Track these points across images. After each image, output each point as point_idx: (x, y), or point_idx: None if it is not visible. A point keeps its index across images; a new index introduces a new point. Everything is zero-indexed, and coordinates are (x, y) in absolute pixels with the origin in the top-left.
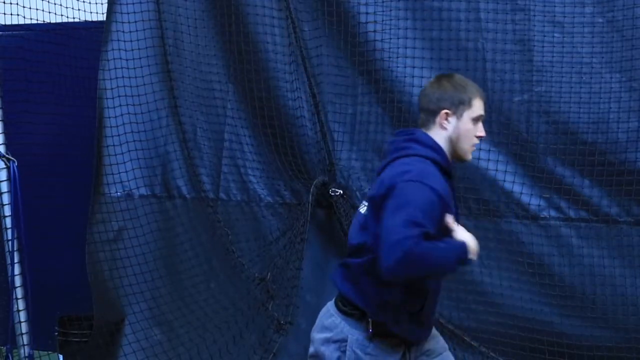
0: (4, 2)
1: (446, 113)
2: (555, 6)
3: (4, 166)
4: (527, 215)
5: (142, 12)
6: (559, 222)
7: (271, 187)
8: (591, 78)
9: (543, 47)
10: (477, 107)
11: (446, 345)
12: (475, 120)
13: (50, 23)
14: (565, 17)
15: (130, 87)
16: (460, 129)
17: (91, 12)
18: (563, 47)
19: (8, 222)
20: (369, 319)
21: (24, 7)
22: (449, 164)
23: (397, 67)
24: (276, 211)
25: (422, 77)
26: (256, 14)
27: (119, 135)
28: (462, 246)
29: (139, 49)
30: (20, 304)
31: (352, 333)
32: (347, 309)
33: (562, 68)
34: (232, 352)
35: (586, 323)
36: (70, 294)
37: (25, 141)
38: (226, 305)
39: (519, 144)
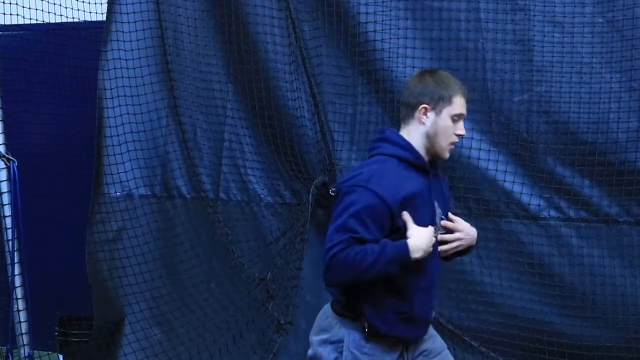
0: (4, 2)
1: (425, 108)
2: (555, 6)
3: (4, 166)
4: (527, 215)
5: (142, 12)
6: (559, 222)
7: (271, 187)
8: (591, 78)
9: (543, 47)
10: (458, 104)
11: (444, 345)
12: (456, 118)
13: (50, 23)
14: (565, 17)
15: (130, 87)
16: (438, 125)
17: (91, 12)
18: (563, 47)
19: (8, 222)
20: (364, 319)
21: (23, 7)
22: (421, 159)
23: (397, 67)
24: (276, 211)
25: None
26: (256, 14)
27: (118, 135)
28: (400, 246)
29: (138, 49)
30: (20, 304)
31: (349, 333)
32: (342, 310)
33: (562, 68)
34: (232, 352)
35: (586, 323)
36: (70, 294)
37: (25, 141)
38: (226, 305)
39: (519, 144)
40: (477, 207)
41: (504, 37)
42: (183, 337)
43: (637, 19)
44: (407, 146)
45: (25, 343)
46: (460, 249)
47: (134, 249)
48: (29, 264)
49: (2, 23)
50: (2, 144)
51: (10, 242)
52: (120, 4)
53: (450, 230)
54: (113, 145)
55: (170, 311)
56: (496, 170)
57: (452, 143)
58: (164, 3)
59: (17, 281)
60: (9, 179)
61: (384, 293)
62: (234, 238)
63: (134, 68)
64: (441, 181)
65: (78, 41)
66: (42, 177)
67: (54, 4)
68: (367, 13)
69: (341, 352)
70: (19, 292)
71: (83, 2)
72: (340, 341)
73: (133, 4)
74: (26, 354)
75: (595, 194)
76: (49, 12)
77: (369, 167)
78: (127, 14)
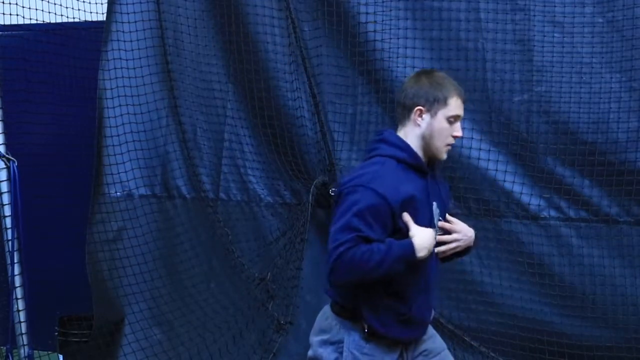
0: (4, 2)
1: (420, 110)
2: (555, 6)
3: (4, 166)
4: (527, 215)
5: (142, 12)
6: (559, 222)
7: (271, 187)
8: (591, 78)
9: (543, 47)
10: (454, 106)
11: (444, 345)
12: (452, 119)
13: (50, 23)
14: (565, 17)
15: (130, 87)
16: (433, 126)
17: (91, 12)
18: (563, 47)
19: (8, 222)
20: (364, 320)
21: (23, 7)
22: (419, 160)
23: (397, 67)
24: (276, 211)
25: None
26: (256, 14)
27: (118, 135)
28: (406, 245)
29: (139, 49)
30: (20, 304)
31: (349, 334)
32: (342, 311)
33: (562, 68)
34: (232, 352)
35: (586, 323)
36: (70, 294)
37: (25, 141)
38: (226, 305)
39: (519, 144)
40: (477, 207)
41: (504, 37)
42: (183, 337)
43: (637, 19)
44: (405, 147)
45: (25, 343)
46: (458, 249)
47: (134, 249)
48: (29, 264)
49: (2, 23)
50: (2, 144)
51: (10, 242)
52: (120, 4)
53: (447, 232)
54: (113, 145)
55: (170, 311)
56: (496, 170)
57: (449, 144)
58: (164, 3)
59: (17, 281)
60: (9, 179)
61: (383, 295)
62: (234, 238)
63: (134, 68)
64: (439, 182)
65: (78, 41)
66: (42, 177)
67: (54, 4)
68: (367, 13)
69: (341, 353)
70: (19, 292)
71: (83, 2)
72: (341, 342)
73: (133, 4)
74: (26, 354)
75: (595, 194)
76: (49, 12)
77: (369, 168)
78: (127, 14)
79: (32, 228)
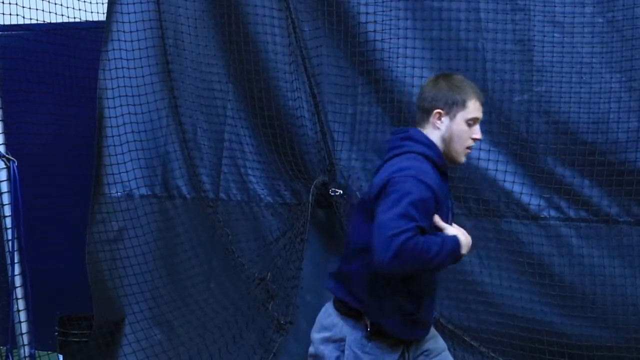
0: (4, 2)
1: (439, 113)
2: (555, 6)
3: (4, 166)
4: (527, 215)
5: (142, 12)
6: (559, 222)
7: (271, 187)
8: (591, 78)
9: (543, 47)
10: (472, 109)
11: (445, 345)
12: (470, 122)
13: (50, 23)
14: (565, 17)
15: (131, 87)
16: (453, 129)
17: (91, 12)
18: (563, 47)
19: (8, 222)
20: (367, 319)
21: (23, 7)
22: (444, 162)
23: (397, 67)
24: (276, 211)
25: (422, 77)
26: (256, 14)
27: (119, 135)
28: (455, 241)
29: (139, 49)
30: (21, 304)
31: (351, 332)
32: (345, 309)
33: (562, 68)
34: (232, 352)
35: (586, 323)
36: (70, 294)
37: (25, 141)
38: (226, 305)
39: (519, 144)
40: (477, 207)
41: (504, 37)
42: (183, 337)
43: (637, 19)
44: (433, 146)
45: (25, 343)
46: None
47: (134, 249)
48: (29, 264)
49: (2, 23)
50: (2, 144)
51: (10, 242)
52: (120, 4)
53: None
54: (114, 145)
55: (170, 311)
56: (496, 170)
57: (468, 147)
58: (164, 3)
59: (17, 281)
60: (9, 179)
61: (397, 294)
62: (234, 238)
63: (134, 68)
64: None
65: (78, 41)
66: (42, 177)
67: (55, 4)
68: (367, 13)
69: (343, 351)
70: (19, 292)
71: (84, 2)
72: (342, 340)
73: (133, 4)
74: (26, 354)
75: (595, 194)
76: (49, 12)
77: (411, 162)
78: (128, 14)
79: (32, 228)
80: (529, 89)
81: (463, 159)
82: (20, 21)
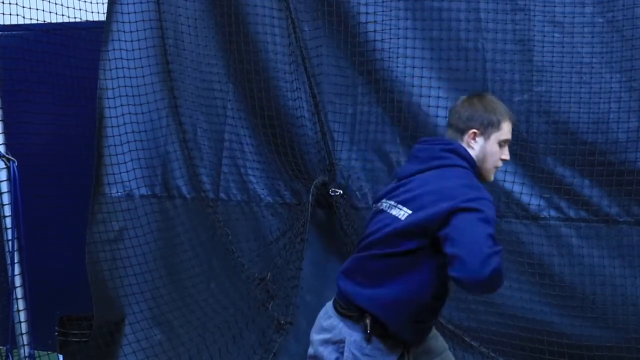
0: (4, 2)
1: (474, 132)
2: (555, 6)
3: (4, 166)
4: (527, 215)
5: (142, 12)
6: (559, 222)
7: (271, 187)
8: (591, 78)
9: (543, 47)
10: (506, 130)
11: (446, 345)
12: (502, 143)
13: (50, 23)
14: (565, 17)
15: (131, 87)
16: (486, 149)
17: (91, 12)
18: (563, 47)
19: (8, 222)
20: (367, 320)
21: (23, 7)
22: (479, 180)
23: (397, 67)
24: (276, 211)
25: (422, 77)
26: (256, 14)
27: (119, 135)
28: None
29: (139, 49)
30: (20, 304)
31: (350, 334)
32: (345, 310)
33: (562, 68)
34: (232, 352)
35: (586, 323)
36: (70, 294)
37: (25, 141)
38: (226, 305)
39: (519, 144)
40: None
41: (504, 37)
42: (183, 337)
43: (637, 19)
44: (474, 165)
45: (25, 343)
46: None
47: (134, 249)
48: (29, 264)
49: (2, 23)
50: (2, 144)
51: (10, 242)
52: (120, 4)
53: None
54: (114, 145)
55: (170, 311)
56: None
57: (496, 167)
58: (164, 3)
59: (17, 281)
60: (9, 179)
61: (430, 300)
62: (234, 238)
63: (134, 68)
64: None
65: (78, 41)
66: (42, 177)
67: (55, 3)
68: (367, 13)
69: (342, 353)
70: (19, 292)
71: (84, 2)
72: (342, 341)
73: (134, 4)
74: (26, 354)
75: (595, 194)
76: (49, 12)
77: (469, 179)
78: (128, 14)
79: (32, 228)
80: (529, 89)
81: (492, 178)
82: (20, 21)
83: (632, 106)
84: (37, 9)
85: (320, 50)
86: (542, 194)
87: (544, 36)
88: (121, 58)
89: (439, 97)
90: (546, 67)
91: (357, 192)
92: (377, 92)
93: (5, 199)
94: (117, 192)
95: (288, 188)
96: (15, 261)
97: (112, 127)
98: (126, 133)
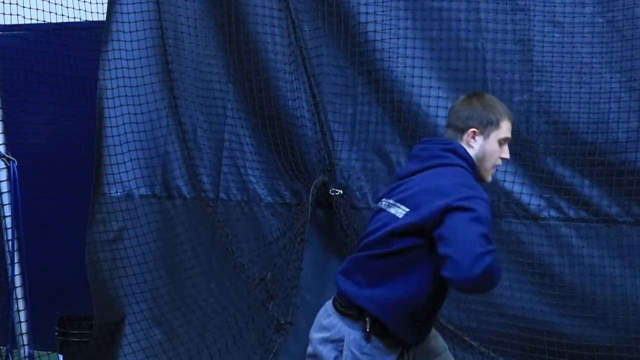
0: (4, 2)
1: (474, 132)
2: (555, 6)
3: (4, 166)
4: (527, 215)
5: (142, 12)
6: (559, 222)
7: (271, 187)
8: (591, 78)
9: (543, 47)
10: (505, 129)
11: (446, 345)
12: (502, 141)
13: (50, 23)
14: (565, 17)
15: (131, 87)
16: (486, 148)
17: (91, 12)
18: (563, 47)
19: (8, 222)
20: (367, 319)
21: (24, 7)
22: (478, 180)
23: (397, 67)
24: (276, 211)
25: (422, 77)
26: (256, 14)
27: (119, 135)
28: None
29: (139, 49)
30: (20, 304)
31: (350, 333)
32: (344, 309)
33: (562, 68)
34: (232, 352)
35: (586, 323)
36: (70, 294)
37: (25, 141)
38: (226, 305)
39: (519, 144)
40: None
41: (504, 37)
42: (183, 337)
43: (637, 19)
44: (473, 165)
45: (25, 343)
46: None
47: (134, 249)
48: (29, 264)
49: (2, 23)
50: (2, 144)
51: (10, 242)
52: (120, 4)
53: None
54: (114, 145)
55: (170, 311)
56: (496, 170)
57: (495, 166)
58: (164, 3)
59: (17, 281)
60: (9, 179)
61: (429, 300)
62: (234, 238)
63: (134, 68)
64: None
65: (78, 41)
66: (42, 177)
67: (55, 4)
68: (367, 13)
69: (341, 351)
70: (19, 292)
71: (84, 2)
72: (341, 340)
73: (133, 4)
74: (26, 354)
75: (595, 194)
76: (49, 12)
77: (466, 178)
78: (128, 14)
79: (32, 228)
80: (529, 89)
81: (490, 179)
82: (21, 21)
83: (632, 106)
84: (37, 9)
85: (320, 50)
86: (542, 194)
87: (544, 36)
88: (121, 58)
89: (439, 97)
90: (546, 67)
91: (357, 192)
92: (377, 92)
93: (5, 199)
94: (117, 192)
95: (288, 188)
96: (15, 261)
97: (111, 127)
98: (126, 133)
